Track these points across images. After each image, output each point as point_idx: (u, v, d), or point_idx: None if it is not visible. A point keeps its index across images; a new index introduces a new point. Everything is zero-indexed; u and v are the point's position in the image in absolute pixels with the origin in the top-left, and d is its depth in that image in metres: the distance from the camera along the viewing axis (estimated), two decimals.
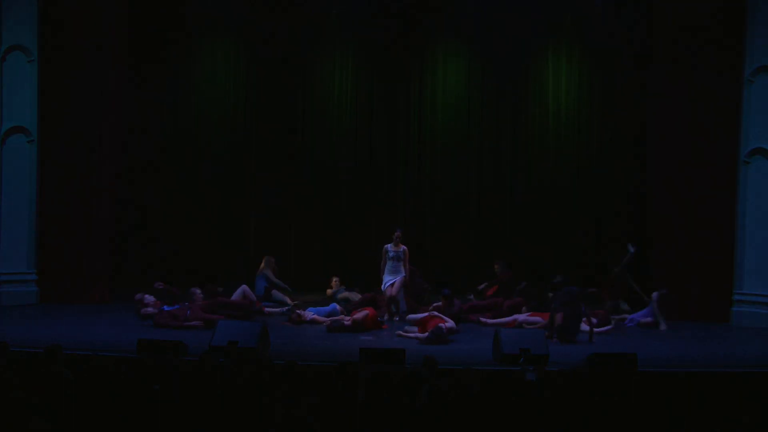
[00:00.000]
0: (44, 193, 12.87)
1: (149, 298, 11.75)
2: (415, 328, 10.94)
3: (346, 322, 11.22)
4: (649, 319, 12.10)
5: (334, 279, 13.88)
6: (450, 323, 10.86)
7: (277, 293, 13.40)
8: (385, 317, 11.80)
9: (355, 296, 13.41)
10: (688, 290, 12.83)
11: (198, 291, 11.87)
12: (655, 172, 13.53)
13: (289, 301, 13.22)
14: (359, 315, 11.29)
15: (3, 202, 12.63)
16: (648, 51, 13.91)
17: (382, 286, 11.91)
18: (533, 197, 15.32)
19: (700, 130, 12.89)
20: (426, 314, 11.24)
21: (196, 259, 15.16)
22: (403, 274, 11.91)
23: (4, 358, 7.12)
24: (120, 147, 13.63)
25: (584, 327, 10.91)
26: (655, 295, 12.11)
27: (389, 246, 12.04)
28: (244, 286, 12.40)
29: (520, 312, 12.08)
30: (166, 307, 11.54)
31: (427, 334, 10.48)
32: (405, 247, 12.01)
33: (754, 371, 8.92)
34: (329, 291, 13.77)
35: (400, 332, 10.87)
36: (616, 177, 15.04)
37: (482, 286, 13.28)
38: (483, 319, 11.86)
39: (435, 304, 11.91)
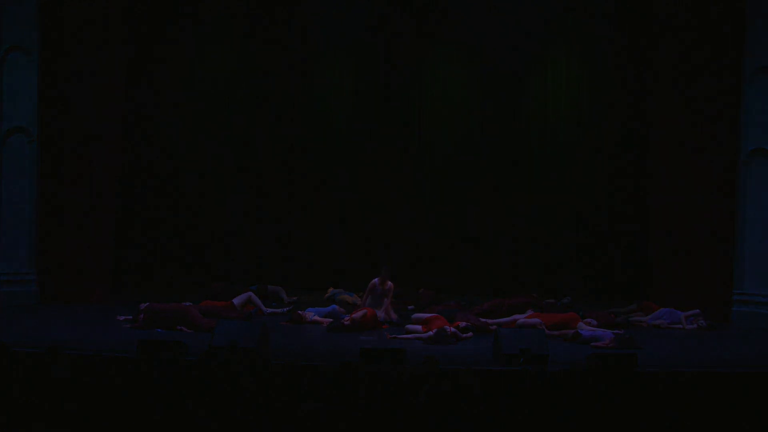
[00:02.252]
0: (44, 192, 12.87)
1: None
2: (419, 327, 10.92)
3: (345, 322, 11.20)
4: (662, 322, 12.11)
5: (330, 289, 13.92)
6: (464, 324, 10.86)
7: (272, 287, 13.45)
8: (382, 316, 11.75)
9: (356, 300, 13.42)
10: (688, 290, 12.82)
11: (189, 304, 11.54)
12: (655, 171, 13.54)
13: (285, 296, 13.24)
14: (358, 314, 11.27)
15: (3, 202, 12.60)
16: (647, 51, 13.91)
17: None
18: (533, 197, 15.33)
19: (700, 130, 12.90)
20: (432, 314, 11.23)
21: (196, 259, 15.20)
22: (385, 306, 11.79)
23: (4, 358, 7.12)
24: (120, 147, 13.62)
25: (586, 329, 10.95)
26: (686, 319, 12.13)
27: (376, 280, 11.90)
28: (250, 293, 12.37)
29: (520, 312, 12.08)
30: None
31: (430, 333, 10.49)
32: (391, 284, 11.91)
33: (754, 371, 8.92)
34: (326, 296, 13.78)
35: (395, 335, 10.84)
36: (616, 176, 15.05)
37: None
38: (483, 320, 11.85)
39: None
